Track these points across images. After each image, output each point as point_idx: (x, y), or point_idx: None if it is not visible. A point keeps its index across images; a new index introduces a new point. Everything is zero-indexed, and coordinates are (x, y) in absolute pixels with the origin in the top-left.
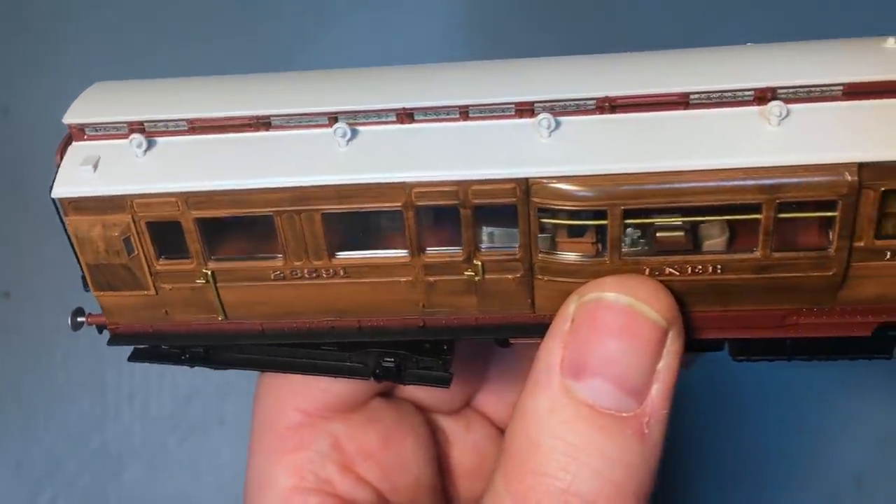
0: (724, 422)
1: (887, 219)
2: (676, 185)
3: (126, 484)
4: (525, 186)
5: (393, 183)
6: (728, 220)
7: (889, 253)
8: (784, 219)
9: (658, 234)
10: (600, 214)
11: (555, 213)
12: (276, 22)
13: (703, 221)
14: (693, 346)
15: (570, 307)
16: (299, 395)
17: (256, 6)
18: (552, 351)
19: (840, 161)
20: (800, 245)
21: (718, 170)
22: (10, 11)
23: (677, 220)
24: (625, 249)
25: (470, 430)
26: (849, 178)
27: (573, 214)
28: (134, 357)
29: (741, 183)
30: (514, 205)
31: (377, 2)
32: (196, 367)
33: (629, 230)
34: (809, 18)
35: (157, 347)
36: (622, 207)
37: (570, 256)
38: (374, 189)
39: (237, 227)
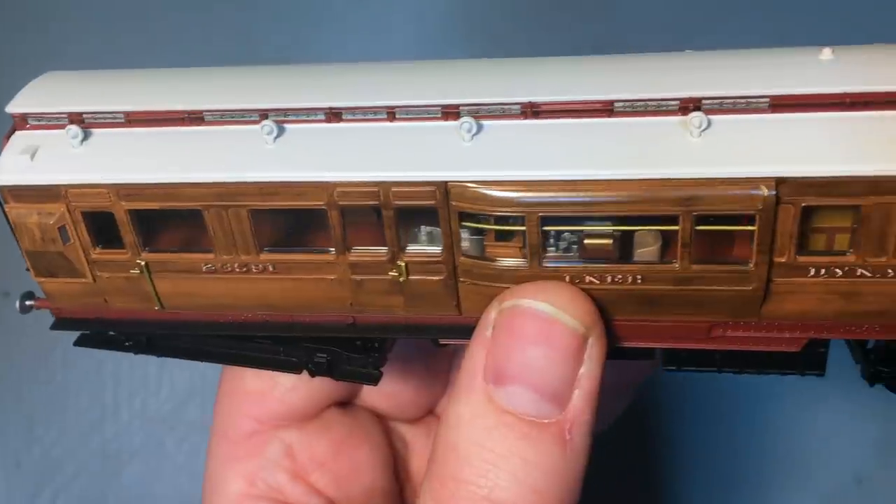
0: (724, 422)
1: (816, 234)
2: (593, 194)
3: (125, 483)
4: (444, 189)
5: (315, 182)
6: (662, 231)
7: (813, 270)
8: (716, 232)
9: (586, 242)
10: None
11: (477, 218)
12: (275, 23)
13: (626, 231)
14: (622, 354)
15: (492, 314)
16: (254, 403)
17: (256, 6)
18: (475, 357)
19: (757, 175)
20: (727, 258)
21: (636, 180)
22: (9, 11)
23: (605, 228)
24: (554, 254)
25: (431, 437)
26: (765, 192)
27: (497, 219)
28: (79, 342)
29: (658, 194)
30: (435, 207)
31: (377, 2)
32: (160, 358)
33: (566, 235)
34: (809, 19)
35: (102, 334)
36: (539, 214)
37: (490, 261)
38: (297, 187)
39: (177, 218)
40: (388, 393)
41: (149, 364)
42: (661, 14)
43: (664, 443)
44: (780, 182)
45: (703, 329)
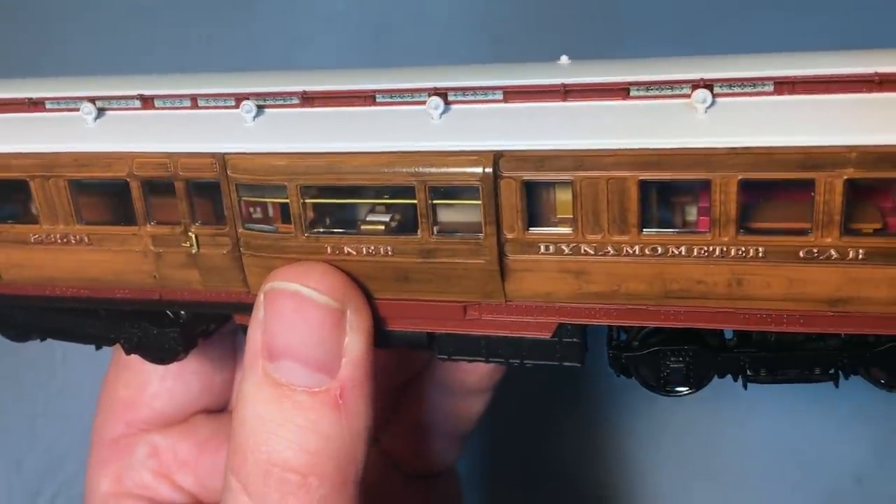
0: (723, 422)
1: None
2: (342, 166)
3: None
4: (223, 162)
5: (116, 153)
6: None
7: (543, 246)
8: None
9: (363, 222)
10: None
11: (251, 189)
12: (275, 22)
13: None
14: (391, 342)
15: (261, 295)
16: (125, 408)
17: (255, 6)
18: (253, 336)
19: (477, 148)
20: (461, 230)
21: (379, 152)
22: (8, 12)
23: (381, 213)
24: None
25: None
26: (482, 166)
27: (271, 192)
28: None
29: (396, 166)
30: (217, 180)
31: (377, 2)
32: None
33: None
34: (809, 19)
35: None
36: (297, 184)
37: (263, 231)
38: (104, 158)
39: (24, 192)
40: None
41: None
42: (663, 14)
43: (662, 443)
44: (498, 156)
45: (458, 310)
